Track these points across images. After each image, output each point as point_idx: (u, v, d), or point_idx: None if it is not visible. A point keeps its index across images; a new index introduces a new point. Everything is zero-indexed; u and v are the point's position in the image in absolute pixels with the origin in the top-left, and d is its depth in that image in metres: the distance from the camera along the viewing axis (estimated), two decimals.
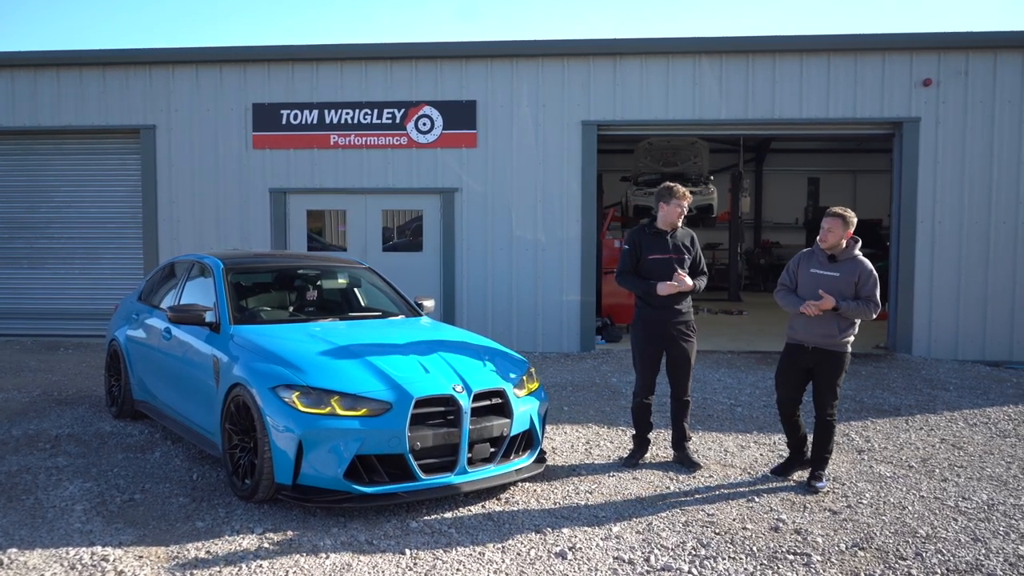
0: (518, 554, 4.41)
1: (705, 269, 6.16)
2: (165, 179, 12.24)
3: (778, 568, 4.26)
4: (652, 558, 4.36)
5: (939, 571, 4.25)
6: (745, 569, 4.25)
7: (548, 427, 6.90)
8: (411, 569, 4.21)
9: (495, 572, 4.19)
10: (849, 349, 5.63)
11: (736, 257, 21.12)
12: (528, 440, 5.52)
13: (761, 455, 6.44)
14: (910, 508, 5.21)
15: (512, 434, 5.26)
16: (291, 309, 6.77)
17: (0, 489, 5.37)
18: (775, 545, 4.56)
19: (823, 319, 5.55)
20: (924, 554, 4.45)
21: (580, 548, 4.49)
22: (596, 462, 6.18)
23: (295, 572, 4.13)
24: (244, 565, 4.19)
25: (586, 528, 4.79)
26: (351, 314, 6.75)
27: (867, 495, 5.45)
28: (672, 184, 6.04)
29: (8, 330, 12.54)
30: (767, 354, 11.28)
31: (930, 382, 9.55)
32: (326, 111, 11.85)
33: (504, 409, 5.25)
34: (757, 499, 5.34)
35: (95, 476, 5.66)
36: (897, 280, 11.38)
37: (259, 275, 6.99)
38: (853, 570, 4.25)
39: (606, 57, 11.50)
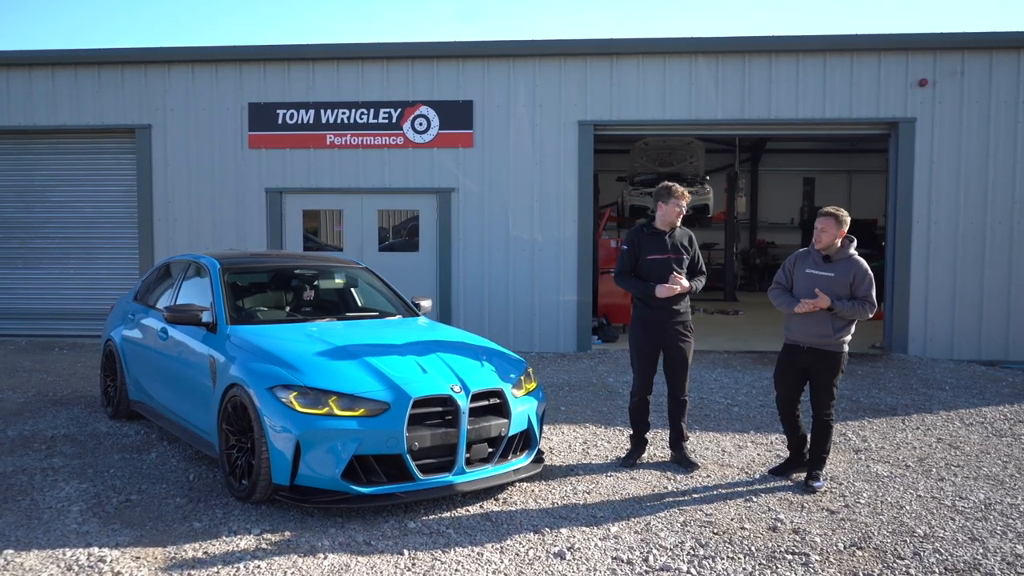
0: (516, 554, 4.40)
1: (703, 269, 6.16)
2: (161, 179, 12.21)
3: (777, 568, 4.26)
4: (651, 558, 4.36)
5: (937, 570, 4.25)
6: (744, 569, 4.25)
7: (545, 427, 6.89)
8: (410, 570, 4.20)
9: (494, 572, 4.18)
10: (846, 349, 5.63)
11: (732, 257, 21.15)
12: (526, 440, 5.51)
13: (759, 455, 6.45)
14: (908, 508, 5.21)
15: (510, 434, 5.26)
16: (288, 309, 6.76)
17: None
18: (773, 545, 4.56)
19: (818, 319, 5.55)
20: (922, 553, 4.46)
21: (578, 548, 4.48)
22: (594, 462, 6.18)
23: (293, 573, 4.12)
24: (242, 566, 4.18)
25: (584, 528, 4.78)
26: (348, 314, 6.73)
27: (865, 495, 5.45)
28: (671, 184, 6.04)
29: (3, 330, 12.50)
30: (763, 354, 11.29)
31: (926, 382, 9.57)
32: (322, 111, 11.83)
33: (502, 409, 5.25)
34: (755, 499, 5.35)
35: (91, 477, 5.64)
36: (893, 280, 11.39)
37: (256, 275, 6.97)
38: (852, 570, 4.25)
39: (603, 57, 11.50)
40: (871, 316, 5.63)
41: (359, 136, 11.80)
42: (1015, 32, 11.02)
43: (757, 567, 4.27)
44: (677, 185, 6.01)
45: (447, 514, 4.97)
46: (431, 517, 4.91)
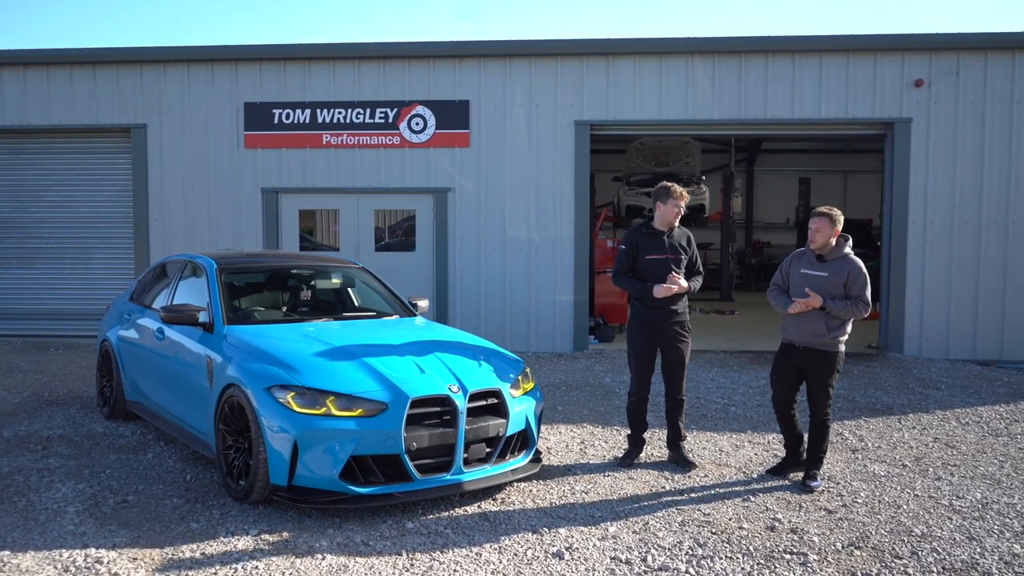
0: (515, 554, 4.40)
1: (701, 269, 6.17)
2: (156, 179, 12.17)
3: (775, 567, 4.27)
4: (649, 558, 4.36)
5: (935, 570, 4.26)
6: (742, 568, 4.25)
7: (543, 427, 6.87)
8: (408, 570, 4.19)
9: (492, 573, 4.18)
10: (841, 349, 5.63)
11: (728, 257, 21.17)
12: (524, 440, 5.51)
13: (756, 454, 6.45)
14: (905, 507, 5.22)
15: (508, 434, 5.25)
16: (285, 309, 6.75)
17: None
18: (772, 544, 4.57)
19: (812, 318, 5.55)
20: (920, 553, 4.47)
21: (577, 548, 4.48)
22: (591, 462, 6.18)
23: (291, 573, 4.11)
24: (239, 566, 4.17)
25: (582, 528, 4.78)
26: (345, 314, 6.71)
27: (862, 494, 5.46)
28: (669, 184, 6.04)
29: None
30: (759, 353, 11.31)
31: (922, 381, 9.59)
32: (318, 110, 11.81)
33: (500, 409, 5.24)
34: (753, 498, 5.35)
35: (87, 477, 5.62)
36: (889, 280, 11.42)
37: (253, 275, 6.95)
38: (850, 569, 4.26)
39: (599, 57, 11.50)
40: (866, 316, 5.63)
41: (355, 136, 11.78)
42: (1010, 33, 11.05)
43: (755, 567, 4.27)
44: (676, 185, 6.01)
45: (445, 514, 4.97)
46: (429, 517, 4.90)
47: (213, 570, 4.13)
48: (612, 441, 6.78)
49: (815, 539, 4.64)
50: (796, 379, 5.77)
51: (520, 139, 11.64)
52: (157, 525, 4.75)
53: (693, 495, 5.44)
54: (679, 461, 6.06)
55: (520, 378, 5.59)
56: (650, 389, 6.12)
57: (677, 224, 6.07)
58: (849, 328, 5.64)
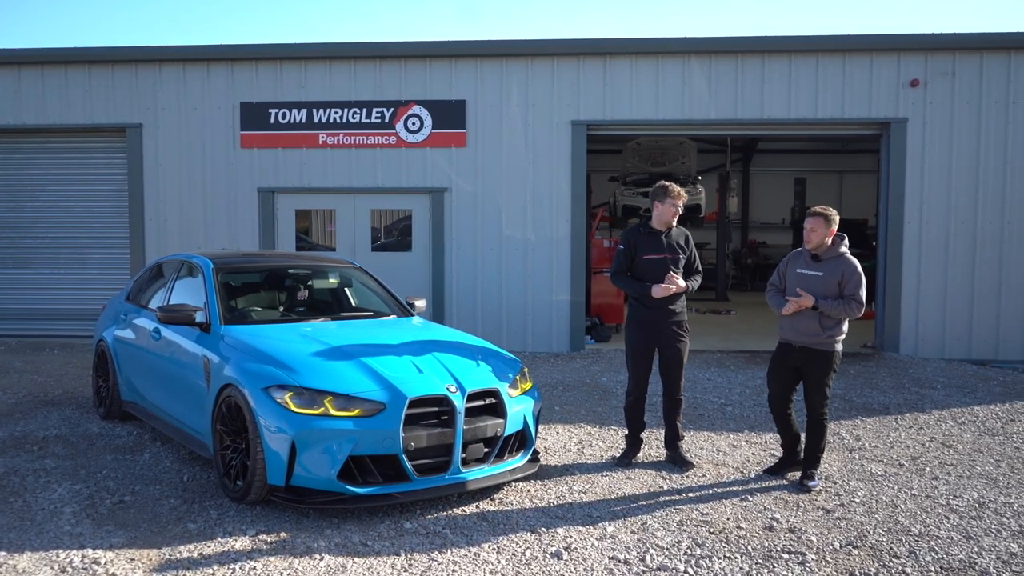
0: (513, 554, 4.40)
1: (700, 268, 6.17)
2: (152, 178, 12.14)
3: (773, 567, 4.27)
4: (648, 558, 4.35)
5: (933, 569, 4.27)
6: (741, 568, 4.25)
7: (540, 427, 6.87)
8: (406, 570, 4.18)
9: (491, 573, 4.17)
10: (838, 348, 5.64)
11: (724, 257, 21.19)
12: (522, 440, 5.50)
13: (753, 454, 6.46)
14: (902, 506, 5.23)
15: (506, 434, 5.25)
16: (282, 309, 6.73)
17: None
18: (770, 544, 4.57)
19: (806, 318, 5.56)
20: (918, 552, 4.47)
21: (575, 548, 4.48)
22: (589, 462, 6.18)
23: (289, 574, 4.10)
24: (237, 567, 4.15)
25: (581, 528, 4.78)
26: (342, 314, 6.70)
27: (859, 494, 5.46)
28: (667, 183, 6.04)
29: None
30: (756, 353, 11.32)
31: (918, 381, 9.61)
32: (315, 110, 11.79)
33: (498, 409, 5.24)
34: (751, 498, 5.35)
35: (84, 478, 5.60)
36: (884, 280, 11.44)
37: (249, 275, 6.94)
38: (848, 568, 4.26)
39: (596, 57, 11.50)
40: (860, 315, 5.63)
41: (352, 135, 11.77)
42: (1005, 33, 11.08)
43: (754, 566, 4.28)
44: (674, 185, 6.02)
45: (443, 514, 4.96)
46: (427, 517, 4.89)
47: (211, 570, 4.12)
48: (609, 441, 6.78)
49: (813, 538, 4.65)
50: (793, 379, 5.78)
51: (517, 139, 11.64)
52: (154, 526, 4.74)
53: (691, 495, 5.44)
54: (677, 461, 6.06)
55: (518, 378, 5.58)
56: (648, 389, 6.13)
57: (675, 224, 6.07)
58: (845, 327, 5.64)
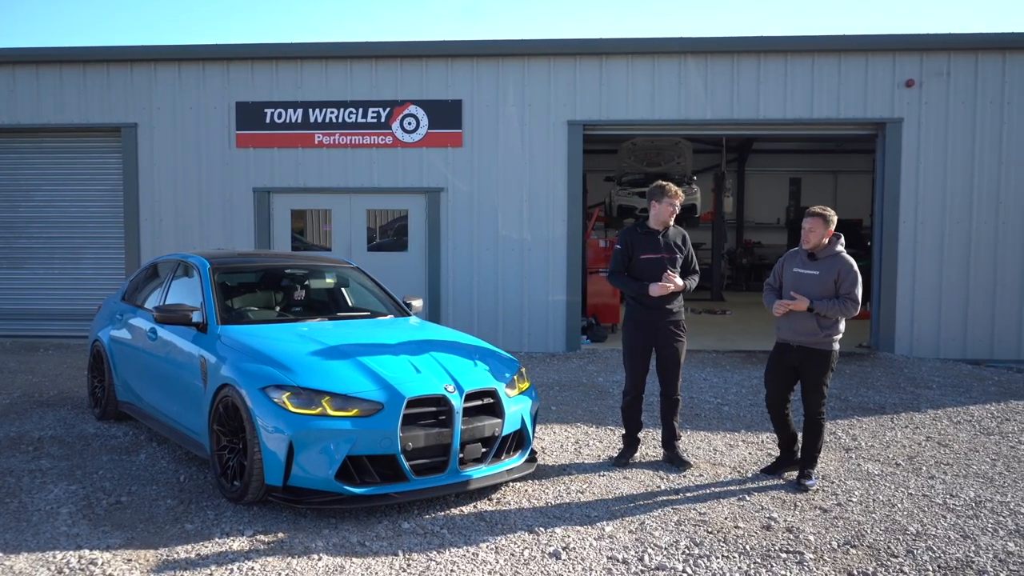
0: (512, 554, 4.39)
1: (697, 268, 6.18)
2: (147, 178, 12.11)
3: (772, 566, 4.27)
4: (646, 557, 4.35)
5: (930, 568, 4.28)
6: (739, 568, 4.25)
7: (537, 427, 6.88)
8: (405, 571, 4.17)
9: (489, 573, 4.17)
10: (835, 348, 5.65)
11: (719, 257, 21.22)
12: (519, 440, 5.50)
13: (750, 454, 6.46)
14: (899, 506, 5.24)
15: (504, 434, 5.25)
16: (278, 309, 6.72)
17: None
18: (768, 544, 4.57)
19: (803, 317, 5.57)
20: (915, 551, 4.48)
21: (573, 548, 4.47)
22: (586, 462, 6.18)
23: (287, 574, 4.09)
24: (235, 567, 4.14)
25: (579, 528, 4.78)
26: (339, 314, 6.69)
27: (856, 493, 5.47)
28: (665, 183, 6.04)
29: None
30: (751, 353, 11.34)
31: (913, 380, 9.63)
32: (311, 110, 11.77)
33: (496, 409, 5.23)
34: (748, 498, 5.36)
35: (80, 479, 5.58)
36: (880, 279, 11.46)
37: (246, 275, 6.92)
38: (846, 568, 4.27)
39: (592, 57, 11.50)
40: (856, 314, 5.64)
41: (348, 135, 11.75)
42: (1000, 33, 11.12)
43: (752, 566, 4.28)
44: (671, 184, 6.03)
45: (441, 514, 4.95)
46: (425, 517, 4.89)
47: (209, 571, 4.11)
48: (606, 441, 6.78)
49: (811, 538, 4.65)
50: (790, 378, 5.79)
51: (513, 139, 11.63)
52: (151, 526, 4.72)
53: (688, 494, 5.44)
54: (674, 460, 6.06)
55: (516, 378, 5.58)
56: (645, 388, 6.13)
57: (672, 223, 6.08)
58: (843, 327, 5.65)
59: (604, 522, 4.88)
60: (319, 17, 78.51)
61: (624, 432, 6.22)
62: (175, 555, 4.30)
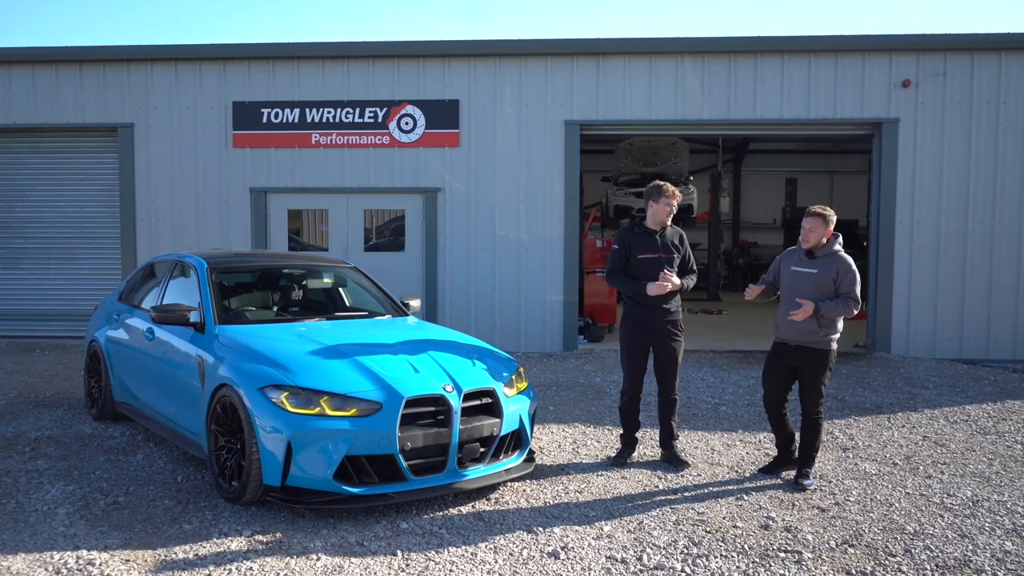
0: (510, 554, 4.39)
1: (694, 268, 6.18)
2: (143, 178, 12.09)
3: (770, 566, 4.28)
4: (645, 557, 4.36)
5: (928, 567, 4.28)
6: (738, 567, 4.26)
7: (535, 427, 6.87)
8: (403, 571, 4.17)
9: (488, 573, 4.17)
10: (833, 347, 5.66)
11: (715, 257, 21.24)
12: (517, 440, 5.50)
13: (747, 453, 6.47)
14: (897, 505, 5.25)
15: (502, 434, 5.25)
16: (276, 309, 6.71)
17: None
18: (766, 543, 4.58)
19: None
20: (913, 550, 4.49)
21: (572, 548, 4.48)
22: (584, 461, 6.18)
23: (286, 574, 4.08)
24: (233, 567, 4.14)
25: (577, 527, 4.78)
26: (337, 314, 6.69)
27: (854, 492, 5.48)
28: (662, 183, 6.05)
29: None
30: (748, 353, 11.35)
31: (910, 380, 9.65)
32: (307, 110, 11.76)
33: (494, 409, 5.23)
34: (746, 497, 5.36)
35: (77, 479, 5.57)
36: (876, 280, 11.49)
37: (243, 275, 6.91)
38: (844, 567, 4.28)
39: (589, 57, 11.51)
40: (856, 313, 5.66)
41: (345, 135, 11.74)
42: (996, 34, 11.14)
43: (751, 565, 4.28)
44: (668, 184, 6.04)
45: (439, 514, 4.95)
46: (423, 517, 4.88)
47: (207, 571, 4.10)
48: (604, 440, 6.78)
49: (809, 537, 4.66)
50: (788, 378, 5.79)
51: (510, 139, 11.64)
52: (149, 526, 4.71)
53: (686, 494, 5.44)
54: (672, 460, 6.07)
55: (514, 377, 5.58)
56: (643, 388, 6.13)
57: (669, 223, 6.08)
58: (841, 326, 5.66)
59: (602, 522, 4.88)
60: (319, 17, 78.50)
61: (622, 432, 6.22)
62: (173, 555, 4.30)
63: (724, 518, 4.97)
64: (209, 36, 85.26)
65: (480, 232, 11.72)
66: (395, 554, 4.36)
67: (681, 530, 4.76)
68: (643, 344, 6.00)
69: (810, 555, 4.41)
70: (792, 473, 5.78)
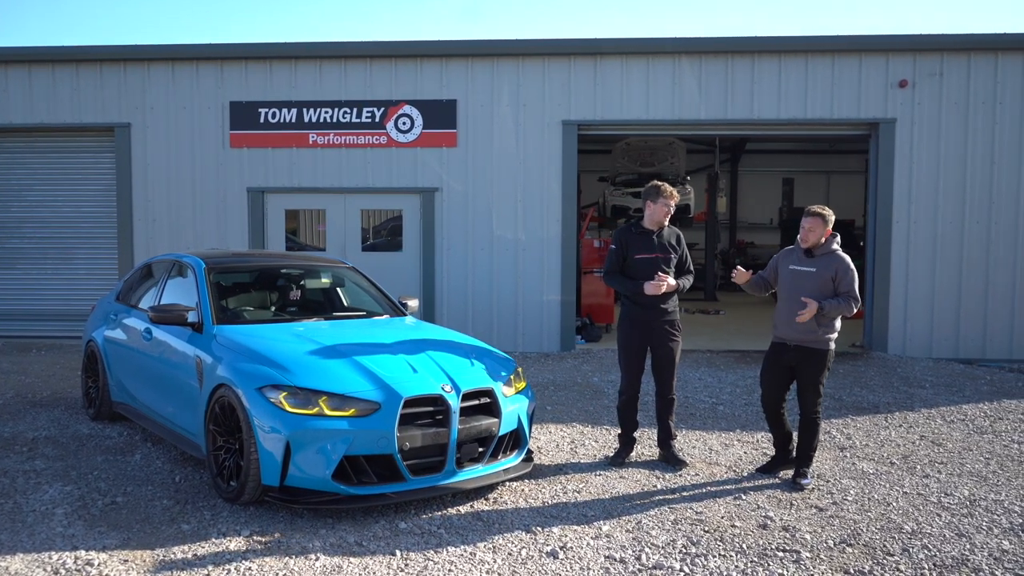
0: (509, 554, 4.39)
1: (692, 268, 6.19)
2: (140, 178, 12.07)
3: (768, 565, 4.29)
4: (643, 556, 4.36)
5: (926, 566, 4.29)
6: (736, 566, 4.27)
7: (533, 427, 6.87)
8: (402, 570, 4.17)
9: (487, 572, 4.17)
10: (832, 347, 5.67)
11: (712, 257, 21.26)
12: (516, 439, 5.50)
13: (745, 453, 6.48)
14: (894, 504, 5.26)
15: (500, 433, 5.25)
16: (274, 309, 6.70)
17: None
18: (764, 542, 4.59)
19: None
20: (911, 549, 4.50)
21: (571, 547, 4.48)
22: (582, 461, 6.18)
23: (285, 574, 4.08)
24: (232, 567, 4.14)
25: (576, 527, 4.78)
26: (335, 314, 6.68)
27: (852, 492, 5.49)
28: (660, 183, 6.06)
29: None
30: (746, 353, 11.37)
31: (907, 380, 9.67)
32: (305, 110, 11.75)
33: (493, 408, 5.24)
34: (744, 497, 5.37)
35: (75, 479, 5.56)
36: (873, 279, 11.50)
37: (241, 275, 6.91)
38: (842, 566, 4.29)
39: (587, 57, 11.51)
40: (855, 312, 5.67)
41: (342, 135, 11.74)
42: (993, 34, 11.17)
43: (749, 564, 4.29)
44: (666, 184, 6.05)
45: (438, 514, 4.95)
46: (422, 517, 4.89)
47: (206, 571, 4.10)
48: (602, 440, 6.79)
49: (807, 536, 4.67)
50: (787, 378, 5.80)
51: (507, 139, 11.64)
52: (147, 527, 4.71)
53: (685, 494, 5.45)
54: (670, 460, 6.07)
55: (512, 377, 5.59)
56: (640, 388, 6.14)
57: (667, 223, 6.09)
58: (839, 325, 5.68)
59: (601, 521, 4.88)
60: (318, 17, 78.45)
61: (620, 432, 6.23)
62: (172, 555, 4.29)
63: (722, 517, 4.98)
64: (206, 36, 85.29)
65: (478, 232, 11.72)
66: (394, 554, 4.36)
67: (679, 529, 4.77)
68: (641, 344, 6.00)
69: (808, 554, 4.42)
70: (790, 473, 5.79)
